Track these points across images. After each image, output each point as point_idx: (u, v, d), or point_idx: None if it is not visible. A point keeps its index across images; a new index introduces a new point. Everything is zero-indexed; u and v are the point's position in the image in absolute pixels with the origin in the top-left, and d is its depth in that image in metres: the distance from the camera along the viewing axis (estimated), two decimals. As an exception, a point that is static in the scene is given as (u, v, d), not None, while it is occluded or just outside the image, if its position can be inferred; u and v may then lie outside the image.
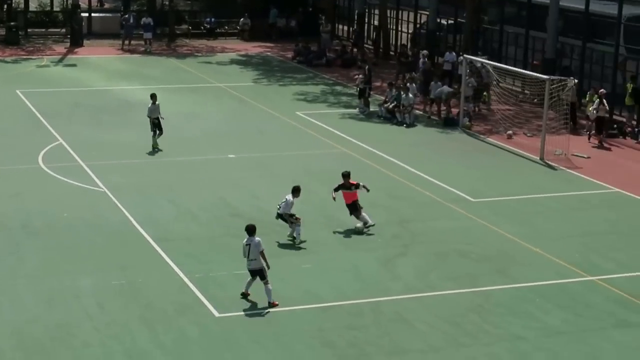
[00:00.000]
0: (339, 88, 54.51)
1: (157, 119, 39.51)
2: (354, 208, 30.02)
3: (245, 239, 24.28)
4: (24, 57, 62.38)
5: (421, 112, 47.31)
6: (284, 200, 28.67)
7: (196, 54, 65.50)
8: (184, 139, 41.16)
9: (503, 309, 24.65)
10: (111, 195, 32.92)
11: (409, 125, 45.32)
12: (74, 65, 59.93)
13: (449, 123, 45.71)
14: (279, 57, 65.10)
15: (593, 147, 42.26)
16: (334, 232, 29.86)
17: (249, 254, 24.16)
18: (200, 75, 57.33)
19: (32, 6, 74.77)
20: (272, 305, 24.08)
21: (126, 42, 66.51)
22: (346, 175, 30.31)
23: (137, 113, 43.65)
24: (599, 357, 22.32)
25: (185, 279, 25.81)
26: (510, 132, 43.60)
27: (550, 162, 39.02)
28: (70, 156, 37.77)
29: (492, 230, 30.17)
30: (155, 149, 38.77)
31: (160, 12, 73.33)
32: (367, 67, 50.98)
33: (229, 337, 22.50)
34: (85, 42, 67.36)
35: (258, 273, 24.29)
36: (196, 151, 39.29)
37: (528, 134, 43.78)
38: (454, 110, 46.54)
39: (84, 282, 25.24)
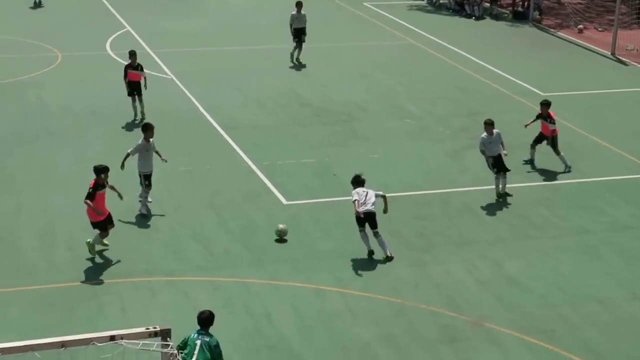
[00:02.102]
0: (406, -21, 53.50)
1: (302, 29, 35.70)
2: (554, 144, 26.26)
3: (358, 188, 21.02)
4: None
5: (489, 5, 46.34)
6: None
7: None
8: (250, 28, 40.75)
9: (571, 203, 24.23)
10: (179, 83, 32.76)
11: (478, 18, 44.46)
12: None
13: (519, 16, 44.76)
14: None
15: (666, 42, 41.21)
16: (404, 121, 29.41)
17: (365, 198, 20.81)
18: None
19: None
20: (389, 258, 20.99)
21: None
22: (545, 104, 26.33)
23: (204, 2, 43.18)
24: (669, 252, 21.93)
25: (253, 167, 25.65)
26: (580, 26, 42.59)
27: (621, 57, 38.10)
28: (137, 43, 37.53)
29: (561, 124, 29.56)
30: (297, 62, 35.85)
31: None
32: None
33: (295, 224, 22.35)
34: None
35: (372, 217, 20.93)
36: (263, 40, 38.85)
37: (599, 29, 42.74)
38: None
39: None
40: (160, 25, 40.50)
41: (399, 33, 40.84)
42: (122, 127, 28.37)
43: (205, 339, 14.85)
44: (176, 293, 19.05)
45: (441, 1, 47.12)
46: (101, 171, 20.65)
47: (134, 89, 28.64)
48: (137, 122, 28.37)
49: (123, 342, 10.86)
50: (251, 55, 36.78)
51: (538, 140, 26.42)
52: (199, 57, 36.14)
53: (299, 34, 35.56)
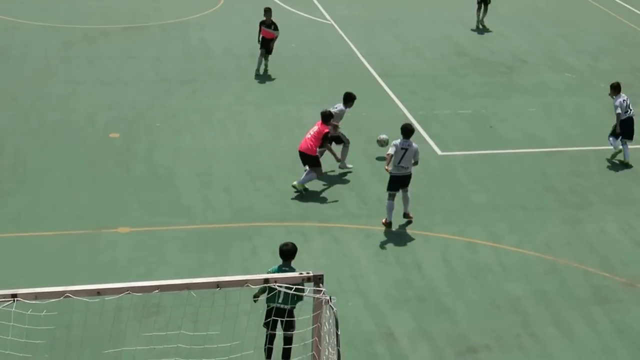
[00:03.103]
0: None
1: None
2: None
3: (400, 141, 19.42)
4: None
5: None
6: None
7: None
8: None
9: None
10: (337, 28, 32.81)
11: (646, -30, 43.05)
12: None
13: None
14: None
15: None
16: (564, 75, 28.86)
17: (401, 160, 19.38)
18: None
19: None
20: (408, 216, 19.97)
21: None
22: None
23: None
24: None
25: (409, 115, 25.57)
26: None
27: None
28: (298, -13, 37.70)
29: None
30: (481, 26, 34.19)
31: None
32: None
33: (449, 176, 22.26)
34: None
35: (407, 181, 19.80)
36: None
37: None
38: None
39: (308, 112, 25.32)
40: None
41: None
42: (282, 70, 28.59)
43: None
44: (328, 239, 19.22)
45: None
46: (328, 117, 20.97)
47: (264, 45, 28.46)
48: (260, 75, 28.29)
49: (276, 285, 11.04)
50: (412, 2, 36.50)
51: None
52: (360, 2, 36.04)
53: None
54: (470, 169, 22.66)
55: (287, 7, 34.84)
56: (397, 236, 19.46)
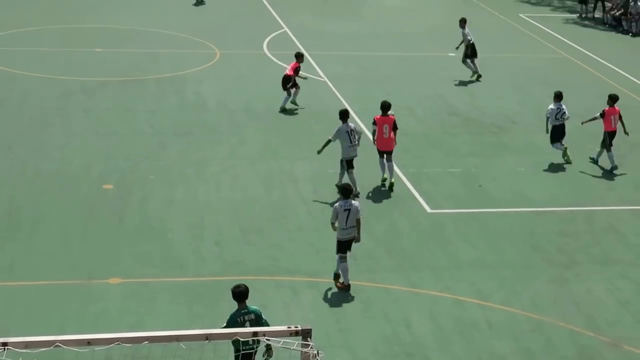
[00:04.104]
0: (564, -8, 52.85)
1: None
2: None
3: (339, 203, 19.50)
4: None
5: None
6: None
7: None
8: (404, 34, 40.81)
9: None
10: (331, 85, 33.09)
11: (635, 35, 43.56)
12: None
13: (678, 34, 43.74)
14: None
15: None
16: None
17: (347, 221, 19.33)
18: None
19: None
20: (340, 284, 19.64)
21: None
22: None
23: (362, 5, 43.47)
24: None
25: (399, 172, 25.73)
26: None
27: None
28: (293, 44, 38.07)
29: None
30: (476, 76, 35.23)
31: None
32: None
33: (438, 233, 22.40)
34: None
35: (350, 244, 19.71)
36: (416, 47, 38.89)
37: None
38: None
39: (301, 167, 25.53)
40: (316, 26, 40.94)
41: (553, 46, 40.36)
42: (276, 125, 28.81)
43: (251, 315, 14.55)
44: (317, 294, 19.29)
45: (596, 15, 46.33)
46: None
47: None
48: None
49: (265, 339, 11.11)
50: (405, 60, 36.85)
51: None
52: (353, 60, 36.40)
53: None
54: (459, 227, 22.79)
55: (280, 62, 35.14)
56: (385, 292, 19.53)
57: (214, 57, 35.74)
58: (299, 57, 30.52)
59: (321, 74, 34.30)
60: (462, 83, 34.16)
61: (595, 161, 27.26)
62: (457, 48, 34.91)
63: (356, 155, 24.01)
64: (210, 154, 26.39)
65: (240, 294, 14.80)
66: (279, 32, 40.13)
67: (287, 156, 26.37)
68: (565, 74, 31.60)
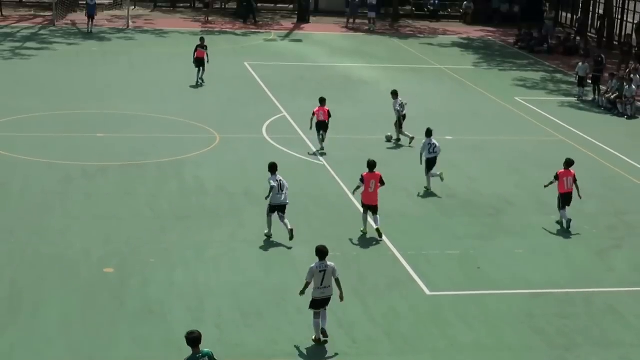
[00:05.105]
0: (559, 76, 53.38)
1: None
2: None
3: (315, 264, 20.62)
4: (253, 30, 63.91)
5: (643, 104, 45.76)
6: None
7: (418, 35, 65.64)
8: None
9: None
10: (330, 169, 33.29)
11: (630, 117, 43.91)
12: (300, 40, 61.06)
13: (674, 117, 44.12)
14: (500, 42, 64.35)
15: None
16: (550, 220, 29.17)
17: (322, 282, 20.53)
18: (421, 56, 57.29)
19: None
20: (325, 334, 20.72)
21: (351, 20, 67.12)
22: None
23: (358, 90, 43.90)
24: None
25: (398, 255, 25.81)
26: None
27: None
28: (292, 128, 38.40)
29: None
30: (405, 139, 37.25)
31: (385, -7, 73.49)
32: (600, 54, 49.84)
33: (437, 315, 22.39)
34: (312, 18, 68.58)
35: (328, 302, 20.91)
36: (413, 131, 39.10)
37: None
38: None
39: (300, 251, 25.59)
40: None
41: (549, 128, 40.67)
42: (274, 210, 28.93)
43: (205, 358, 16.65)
44: (317, 376, 19.24)
45: (590, 99, 46.81)
46: None
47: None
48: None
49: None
50: (401, 143, 37.08)
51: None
52: (351, 144, 36.64)
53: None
54: (458, 309, 22.78)
55: (279, 146, 35.42)
56: (385, 375, 19.47)
57: (213, 141, 35.99)
58: (323, 101, 35.63)
59: (320, 158, 34.51)
60: (458, 165, 34.35)
61: (560, 223, 28.62)
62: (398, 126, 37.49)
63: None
64: (210, 237, 26.48)
65: (194, 339, 16.74)
66: (278, 116, 40.47)
67: (286, 239, 26.41)
68: (561, 156, 31.58)
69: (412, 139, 36.57)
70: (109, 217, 27.62)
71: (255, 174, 31.90)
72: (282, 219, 26.31)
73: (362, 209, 27.44)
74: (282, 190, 26.37)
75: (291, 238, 26.01)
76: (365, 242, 26.64)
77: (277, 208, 26.39)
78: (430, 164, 31.30)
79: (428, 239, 27.27)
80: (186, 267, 24.37)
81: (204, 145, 35.46)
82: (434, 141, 31.36)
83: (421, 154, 31.26)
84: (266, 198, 26.41)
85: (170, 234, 26.64)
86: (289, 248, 25.89)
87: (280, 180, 26.42)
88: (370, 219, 27.19)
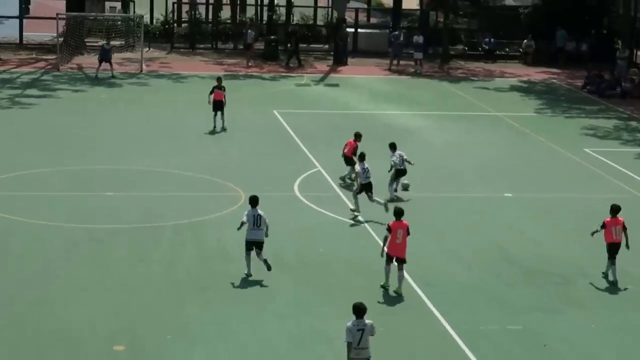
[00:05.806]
0: (634, 123, 53.28)
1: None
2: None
3: (352, 322, 21.44)
4: (283, 74, 64.22)
5: None
6: None
7: (472, 77, 65.71)
8: (453, 173, 41.14)
9: None
10: (371, 230, 33.25)
11: None
12: (336, 85, 61.29)
13: None
14: (566, 85, 64.35)
15: None
16: (629, 291, 28.98)
17: (360, 342, 21.24)
18: (475, 101, 57.36)
19: (294, 19, 76.70)
20: None
21: (394, 61, 67.36)
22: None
23: (404, 140, 43.95)
24: None
25: (451, 331, 25.69)
26: None
27: None
28: (328, 185, 38.50)
29: None
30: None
31: (434, 30, 73.66)
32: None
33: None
34: (350, 60, 68.84)
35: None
36: (466, 187, 39.14)
37: None
38: None
39: (337, 327, 25.42)
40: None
41: (623, 184, 40.51)
42: (308, 278, 28.89)
43: None
44: None
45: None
46: None
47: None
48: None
49: None
50: (454, 203, 37.05)
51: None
52: (398, 202, 36.58)
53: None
54: (521, 394, 22.62)
55: (313, 206, 35.47)
56: None
57: (238, 200, 36.04)
58: (358, 136, 37.95)
59: (360, 218, 34.50)
60: (520, 228, 34.22)
61: (605, 275, 29.39)
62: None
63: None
64: (234, 310, 26.48)
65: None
66: (312, 171, 40.56)
67: (321, 314, 26.37)
68: (637, 215, 31.51)
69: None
70: (119, 288, 27.72)
71: (285, 237, 31.94)
72: (258, 255, 28.36)
73: (384, 261, 28.07)
74: (259, 226, 28.33)
75: (269, 269, 28.28)
76: (413, 316, 26.51)
77: (253, 244, 28.37)
78: (367, 188, 34.30)
79: (485, 311, 27.12)
80: (207, 345, 24.36)
81: (228, 204, 35.56)
82: (366, 165, 34.57)
83: (357, 179, 34.83)
84: (237, 229, 28.74)
85: (189, 306, 26.67)
86: (324, 324, 25.78)
87: (260, 215, 28.49)
88: (392, 273, 27.98)
